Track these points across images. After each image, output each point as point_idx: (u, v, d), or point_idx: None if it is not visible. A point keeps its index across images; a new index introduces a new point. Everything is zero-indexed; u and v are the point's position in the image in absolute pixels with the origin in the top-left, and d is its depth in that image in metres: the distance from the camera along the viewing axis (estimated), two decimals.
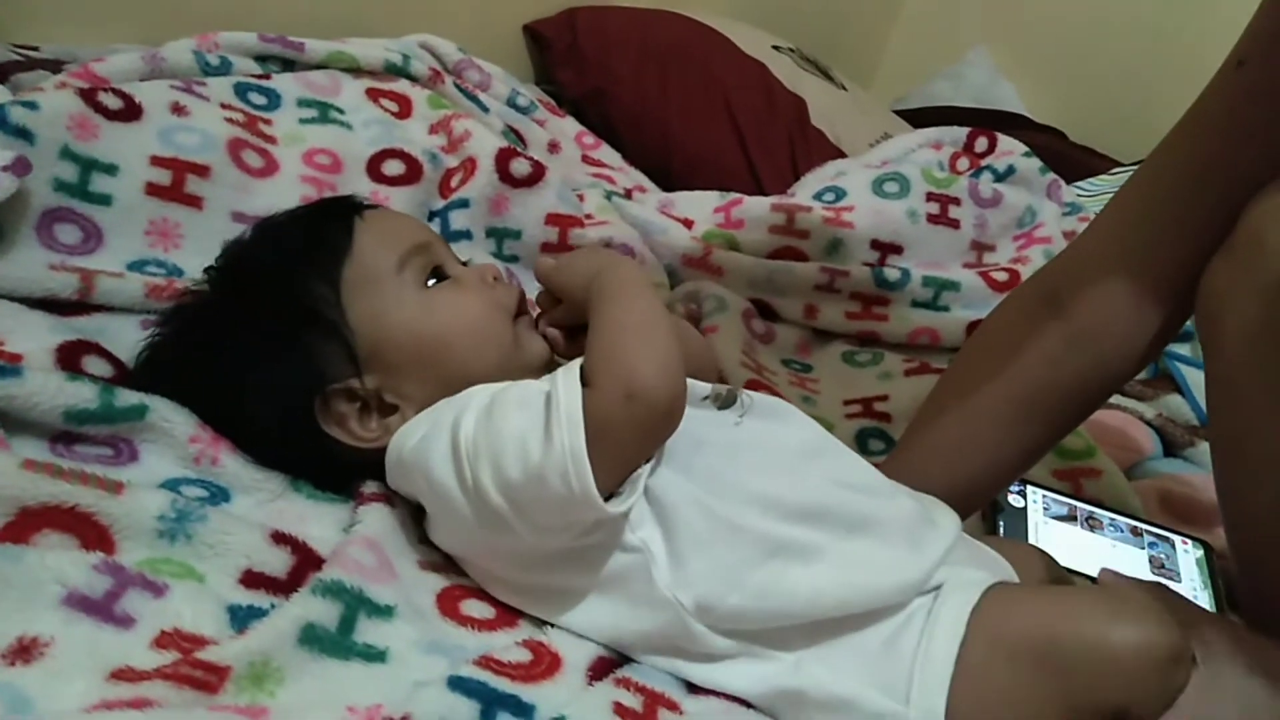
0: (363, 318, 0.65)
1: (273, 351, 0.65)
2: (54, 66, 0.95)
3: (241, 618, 0.55)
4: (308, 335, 0.65)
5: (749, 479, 0.61)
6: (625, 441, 0.57)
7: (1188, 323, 1.15)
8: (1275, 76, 0.64)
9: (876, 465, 0.68)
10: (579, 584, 0.60)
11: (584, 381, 0.57)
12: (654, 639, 0.60)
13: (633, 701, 0.57)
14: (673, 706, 0.58)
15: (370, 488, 0.67)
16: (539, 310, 0.71)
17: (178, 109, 0.88)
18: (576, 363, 0.59)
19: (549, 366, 0.67)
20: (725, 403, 0.67)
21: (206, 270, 0.70)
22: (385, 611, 0.58)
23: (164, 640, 0.51)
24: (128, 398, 0.64)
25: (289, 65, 1.07)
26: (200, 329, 0.68)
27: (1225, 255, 0.64)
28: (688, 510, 0.59)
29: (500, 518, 0.57)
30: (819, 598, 0.58)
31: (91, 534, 0.56)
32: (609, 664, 0.60)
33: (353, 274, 0.66)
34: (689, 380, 0.64)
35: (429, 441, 0.60)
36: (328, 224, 0.69)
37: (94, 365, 0.69)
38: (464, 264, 0.72)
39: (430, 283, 0.68)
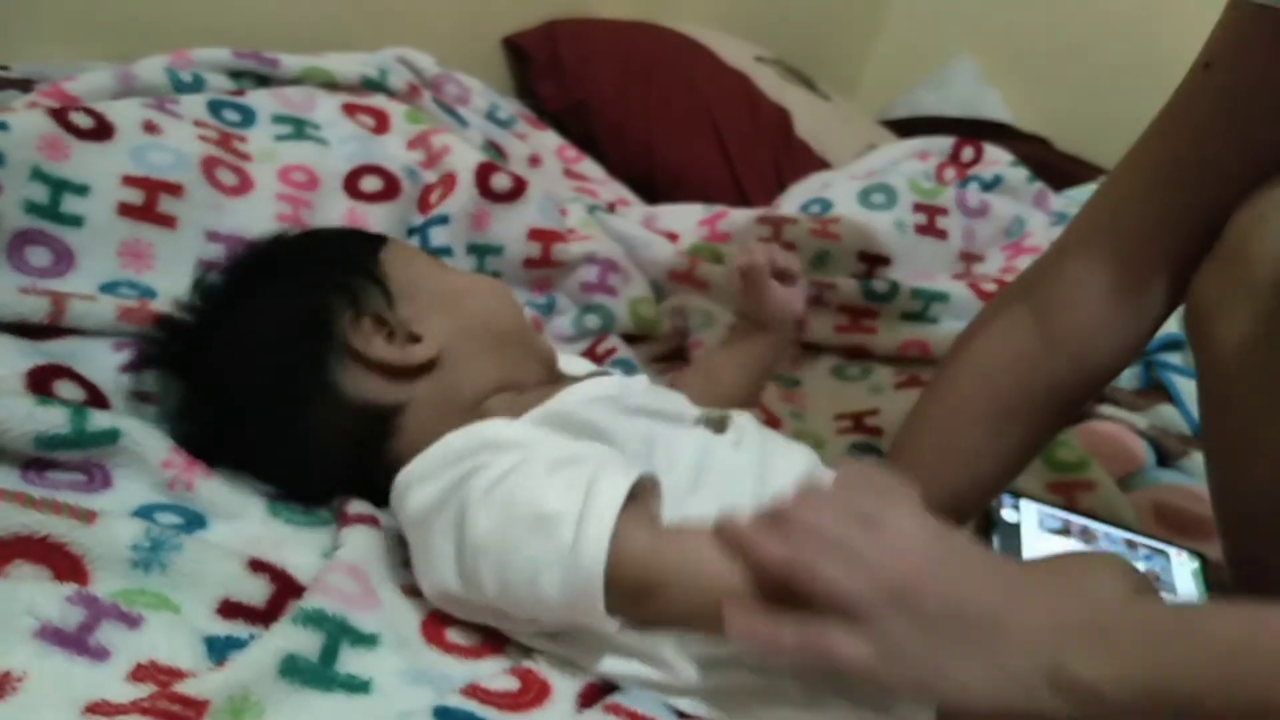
0: (398, 271, 0.70)
1: (313, 277, 0.68)
2: (24, 86, 0.94)
3: (219, 649, 0.54)
4: (348, 269, 0.69)
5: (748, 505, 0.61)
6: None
7: (1177, 332, 1.16)
8: (1240, 78, 0.65)
9: None
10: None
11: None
12: (645, 679, 0.59)
13: None
14: None
15: (355, 507, 0.66)
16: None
17: (150, 127, 0.86)
18: (621, 488, 0.55)
19: (551, 373, 0.72)
20: (719, 426, 0.66)
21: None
22: (369, 640, 0.57)
23: (140, 673, 0.50)
24: (99, 421, 0.63)
25: (264, 81, 1.06)
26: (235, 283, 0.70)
27: (1212, 263, 0.64)
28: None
29: (493, 609, 0.58)
30: None
31: (64, 565, 0.55)
32: (598, 691, 0.59)
33: (388, 254, 0.71)
34: (680, 403, 0.66)
35: (432, 514, 0.59)
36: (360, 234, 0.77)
37: (66, 390, 0.67)
38: None
39: None
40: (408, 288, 0.69)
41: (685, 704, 0.58)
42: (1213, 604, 0.63)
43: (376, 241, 0.73)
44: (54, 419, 0.61)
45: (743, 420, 0.69)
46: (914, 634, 0.49)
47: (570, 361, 0.79)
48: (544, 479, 0.56)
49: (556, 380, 0.73)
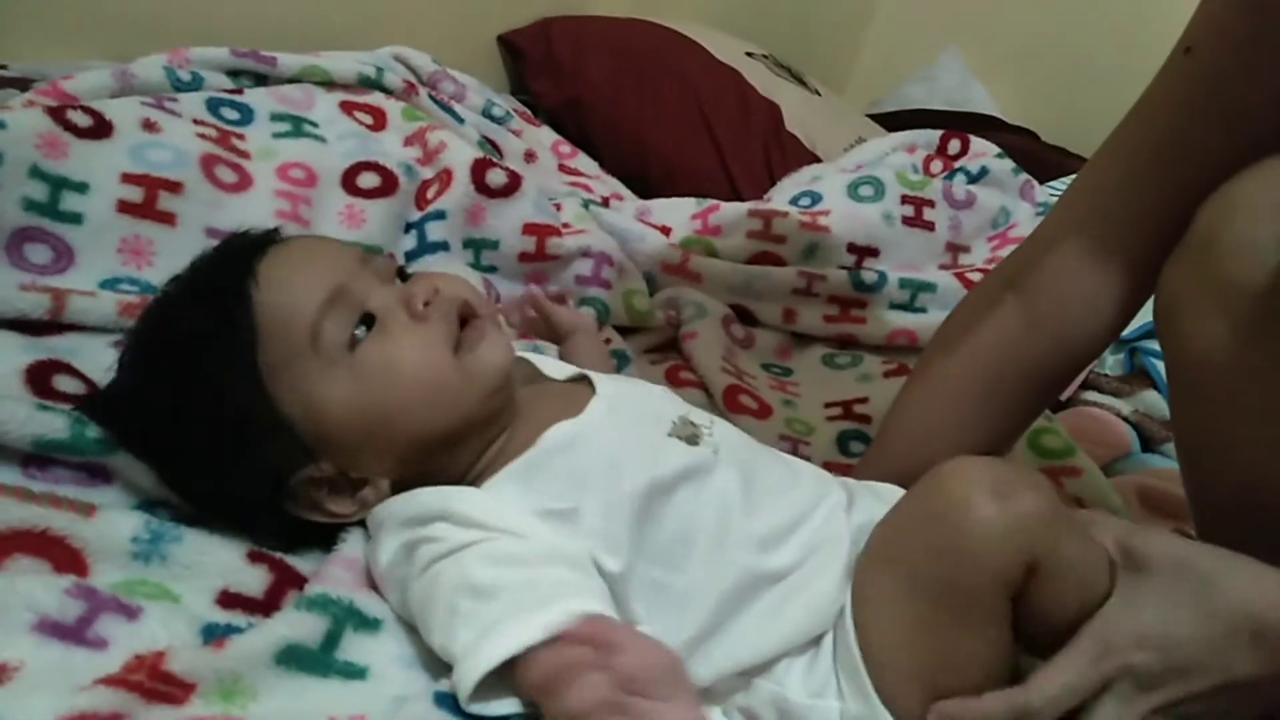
0: (295, 406, 0.59)
1: (221, 458, 0.59)
2: (22, 84, 0.94)
3: (218, 637, 0.54)
4: (249, 436, 0.59)
5: (739, 525, 0.61)
6: None
7: None
8: (1220, 63, 0.65)
9: (854, 466, 0.69)
10: None
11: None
12: None
13: None
14: None
15: None
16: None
17: (149, 125, 0.87)
18: (494, 653, 0.52)
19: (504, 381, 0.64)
20: (691, 439, 0.64)
21: (121, 359, 0.63)
22: (373, 624, 0.58)
23: (136, 663, 0.50)
24: (98, 430, 0.62)
25: (262, 80, 1.06)
26: (141, 432, 0.62)
27: (1181, 255, 0.64)
28: (641, 588, 0.58)
29: None
30: (768, 647, 0.59)
31: (64, 558, 0.55)
32: None
33: (267, 360, 0.58)
34: (651, 419, 0.64)
35: (389, 569, 0.59)
36: (225, 300, 0.59)
37: (66, 384, 0.67)
38: (401, 273, 0.66)
39: (359, 332, 0.60)
40: (317, 429, 0.59)
41: None
42: None
43: (246, 354, 0.58)
44: (54, 424, 0.60)
45: (718, 430, 0.66)
46: None
47: (547, 363, 0.74)
48: (473, 581, 0.54)
49: (536, 383, 0.71)
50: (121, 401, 0.62)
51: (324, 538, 0.63)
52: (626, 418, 0.64)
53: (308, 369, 0.59)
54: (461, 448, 0.62)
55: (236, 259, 0.62)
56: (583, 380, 0.69)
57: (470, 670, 0.51)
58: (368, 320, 0.61)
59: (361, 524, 0.63)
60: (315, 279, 0.60)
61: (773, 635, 0.59)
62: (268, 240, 0.63)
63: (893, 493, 0.67)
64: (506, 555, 0.55)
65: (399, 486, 0.61)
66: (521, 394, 0.67)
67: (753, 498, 0.62)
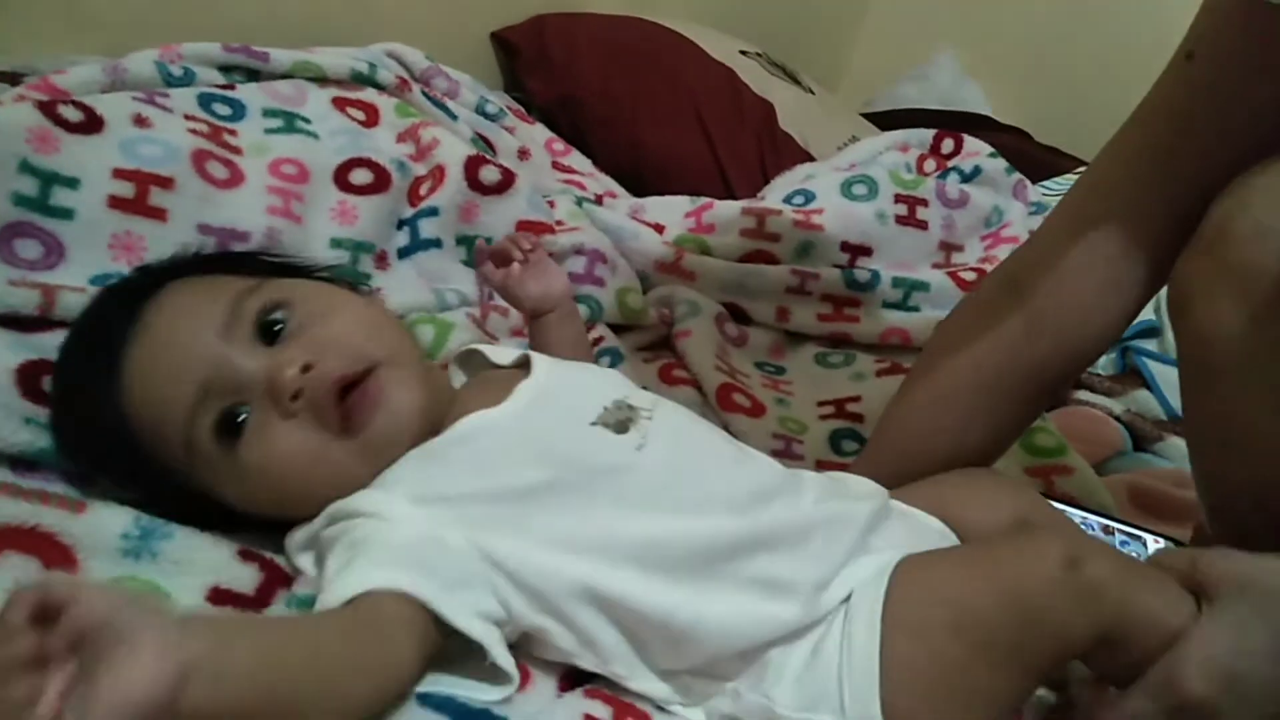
0: (199, 484, 0.60)
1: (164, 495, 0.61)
2: (12, 79, 0.94)
3: None
4: (171, 493, 0.60)
5: (648, 524, 0.58)
6: None
7: (1153, 319, 1.18)
8: (1221, 70, 0.65)
9: (850, 464, 0.68)
10: None
11: None
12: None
13: (603, 712, 0.56)
14: (643, 718, 0.58)
15: None
16: None
17: (140, 120, 0.86)
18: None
19: (426, 415, 0.61)
20: (620, 427, 0.61)
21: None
22: None
23: None
24: None
25: (254, 75, 1.06)
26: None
27: (1194, 248, 0.65)
28: (579, 601, 0.56)
29: None
30: (730, 635, 0.57)
31: (54, 554, 0.55)
32: (579, 675, 0.60)
33: (161, 460, 0.59)
34: (579, 406, 0.61)
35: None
36: (103, 413, 0.58)
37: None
38: (266, 318, 0.60)
39: (239, 419, 0.58)
40: (224, 499, 0.60)
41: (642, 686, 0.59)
42: None
43: (142, 458, 0.59)
44: (38, 438, 0.61)
45: (660, 415, 0.63)
46: None
47: (498, 351, 0.73)
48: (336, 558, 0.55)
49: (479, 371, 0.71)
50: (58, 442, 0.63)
51: None
52: (549, 407, 0.63)
53: (197, 473, 0.59)
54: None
55: (99, 358, 0.59)
56: (525, 365, 0.67)
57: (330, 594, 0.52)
58: (238, 407, 0.58)
59: None
60: (177, 374, 0.58)
61: (726, 621, 0.57)
62: (129, 314, 0.60)
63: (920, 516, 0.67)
64: (361, 537, 0.56)
65: None
66: (460, 390, 0.67)
67: (679, 484, 0.60)
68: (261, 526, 0.63)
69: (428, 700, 0.52)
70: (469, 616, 0.53)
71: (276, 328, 0.60)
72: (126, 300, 0.62)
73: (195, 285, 0.63)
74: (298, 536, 0.60)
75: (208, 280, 0.63)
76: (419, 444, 0.60)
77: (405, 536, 0.56)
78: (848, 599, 0.58)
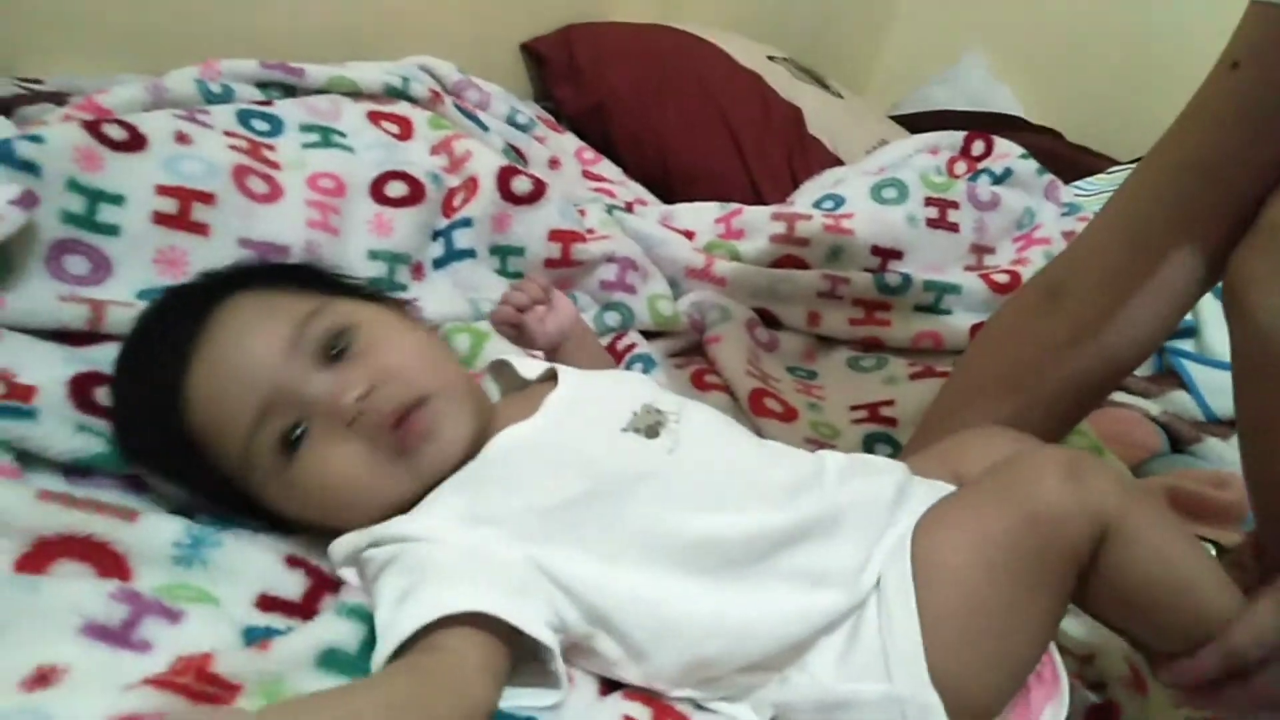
0: (251, 492, 0.62)
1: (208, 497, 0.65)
2: (58, 99, 0.96)
3: (258, 640, 0.55)
4: (225, 497, 0.64)
5: (692, 523, 0.59)
6: None
7: (1190, 319, 1.17)
8: (1267, 78, 0.65)
9: None
10: None
11: None
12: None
13: (642, 714, 0.57)
14: (681, 718, 0.58)
15: None
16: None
17: (181, 138, 0.88)
18: (390, 642, 0.52)
19: (470, 447, 0.62)
20: (650, 432, 0.63)
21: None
22: None
23: (181, 666, 0.51)
24: None
25: (290, 91, 1.08)
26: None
27: (1251, 240, 0.64)
28: (628, 611, 0.57)
29: None
30: (780, 631, 0.58)
31: (108, 562, 0.57)
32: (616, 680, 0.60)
33: (219, 468, 0.62)
34: (608, 414, 0.63)
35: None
36: (165, 420, 0.61)
37: (106, 396, 0.68)
38: (334, 341, 0.62)
39: (296, 433, 0.60)
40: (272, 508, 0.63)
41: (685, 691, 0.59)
42: None
43: (200, 469, 0.62)
44: (93, 445, 0.64)
45: (686, 416, 0.64)
46: None
47: (524, 363, 0.74)
48: (387, 585, 0.56)
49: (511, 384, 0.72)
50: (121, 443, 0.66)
51: None
52: (580, 416, 0.64)
53: (252, 482, 0.62)
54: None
55: (169, 363, 0.62)
56: (551, 378, 0.68)
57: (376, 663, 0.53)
58: (299, 426, 0.60)
59: None
60: (243, 388, 0.60)
61: (776, 618, 0.58)
62: (194, 323, 0.62)
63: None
64: (416, 563, 0.56)
65: None
66: (497, 405, 0.68)
67: (716, 483, 0.61)
68: (307, 531, 0.64)
69: None
70: (539, 625, 0.54)
71: (339, 350, 0.62)
72: (192, 307, 0.64)
73: (260, 300, 0.64)
74: (340, 550, 0.61)
75: (271, 296, 0.65)
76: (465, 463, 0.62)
77: (461, 556, 0.57)
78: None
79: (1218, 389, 1.09)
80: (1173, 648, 0.59)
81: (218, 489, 0.63)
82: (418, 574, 0.56)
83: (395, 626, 0.53)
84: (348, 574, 0.61)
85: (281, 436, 0.60)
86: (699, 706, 0.59)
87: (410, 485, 0.61)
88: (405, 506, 0.61)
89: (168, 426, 0.61)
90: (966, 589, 0.57)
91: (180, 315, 0.64)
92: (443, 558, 0.57)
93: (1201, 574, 0.58)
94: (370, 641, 0.56)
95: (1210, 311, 1.15)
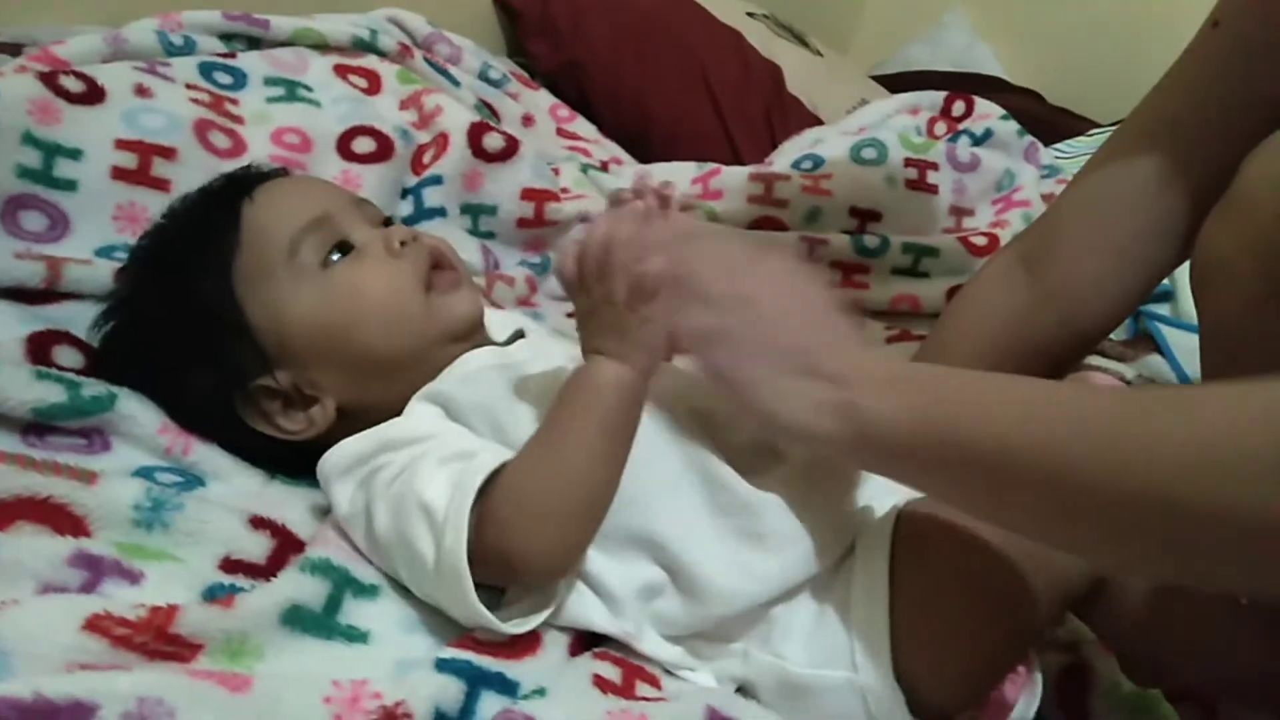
0: (262, 312, 0.64)
1: (185, 357, 0.65)
2: (13, 50, 0.93)
3: (223, 596, 0.55)
4: (214, 338, 0.64)
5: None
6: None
7: (1167, 284, 1.16)
8: (1248, 37, 0.65)
9: None
10: None
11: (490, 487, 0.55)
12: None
13: (612, 674, 0.57)
14: (652, 681, 0.58)
15: None
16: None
17: (141, 91, 0.86)
18: (476, 476, 0.55)
19: (478, 327, 0.68)
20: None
21: (118, 272, 0.71)
22: (370, 590, 0.58)
23: (143, 624, 0.50)
24: (94, 389, 0.64)
25: (254, 43, 1.05)
26: (125, 336, 0.68)
27: (1221, 212, 0.63)
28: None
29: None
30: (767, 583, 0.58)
31: (66, 524, 0.55)
32: (589, 639, 0.60)
33: (244, 267, 0.64)
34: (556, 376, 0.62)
35: (352, 517, 0.60)
36: (217, 213, 0.66)
37: (65, 355, 0.68)
38: (387, 221, 0.70)
39: (334, 257, 0.65)
40: (279, 338, 0.64)
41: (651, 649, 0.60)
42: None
43: (225, 259, 0.65)
44: (50, 392, 0.62)
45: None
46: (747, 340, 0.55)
47: (497, 321, 0.74)
48: (429, 475, 0.56)
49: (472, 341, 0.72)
50: (113, 305, 0.68)
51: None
52: (545, 354, 0.66)
53: (279, 279, 0.64)
54: (401, 379, 0.64)
55: (239, 185, 0.68)
56: (519, 337, 0.71)
57: (455, 525, 0.53)
58: (345, 248, 0.66)
59: None
60: (304, 204, 0.66)
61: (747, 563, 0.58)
62: (274, 174, 0.71)
63: None
64: (453, 450, 0.58)
65: (342, 414, 0.65)
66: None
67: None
68: (285, 464, 0.67)
69: (445, 666, 0.53)
70: None
71: (387, 221, 0.70)
72: (263, 174, 0.71)
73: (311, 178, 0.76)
74: (341, 458, 0.61)
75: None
76: (431, 366, 0.64)
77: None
78: (851, 550, 0.59)
79: (1192, 352, 1.09)
80: None
81: (220, 374, 0.64)
82: (459, 449, 0.58)
83: (470, 479, 0.54)
84: (340, 490, 0.60)
85: (327, 244, 0.65)
86: (668, 672, 0.59)
87: (425, 326, 0.65)
88: (395, 365, 0.64)
89: (201, 296, 0.64)
90: (945, 587, 0.56)
91: (217, 190, 0.70)
92: (469, 437, 0.60)
93: None
94: (334, 600, 0.56)
95: (1186, 276, 1.15)
